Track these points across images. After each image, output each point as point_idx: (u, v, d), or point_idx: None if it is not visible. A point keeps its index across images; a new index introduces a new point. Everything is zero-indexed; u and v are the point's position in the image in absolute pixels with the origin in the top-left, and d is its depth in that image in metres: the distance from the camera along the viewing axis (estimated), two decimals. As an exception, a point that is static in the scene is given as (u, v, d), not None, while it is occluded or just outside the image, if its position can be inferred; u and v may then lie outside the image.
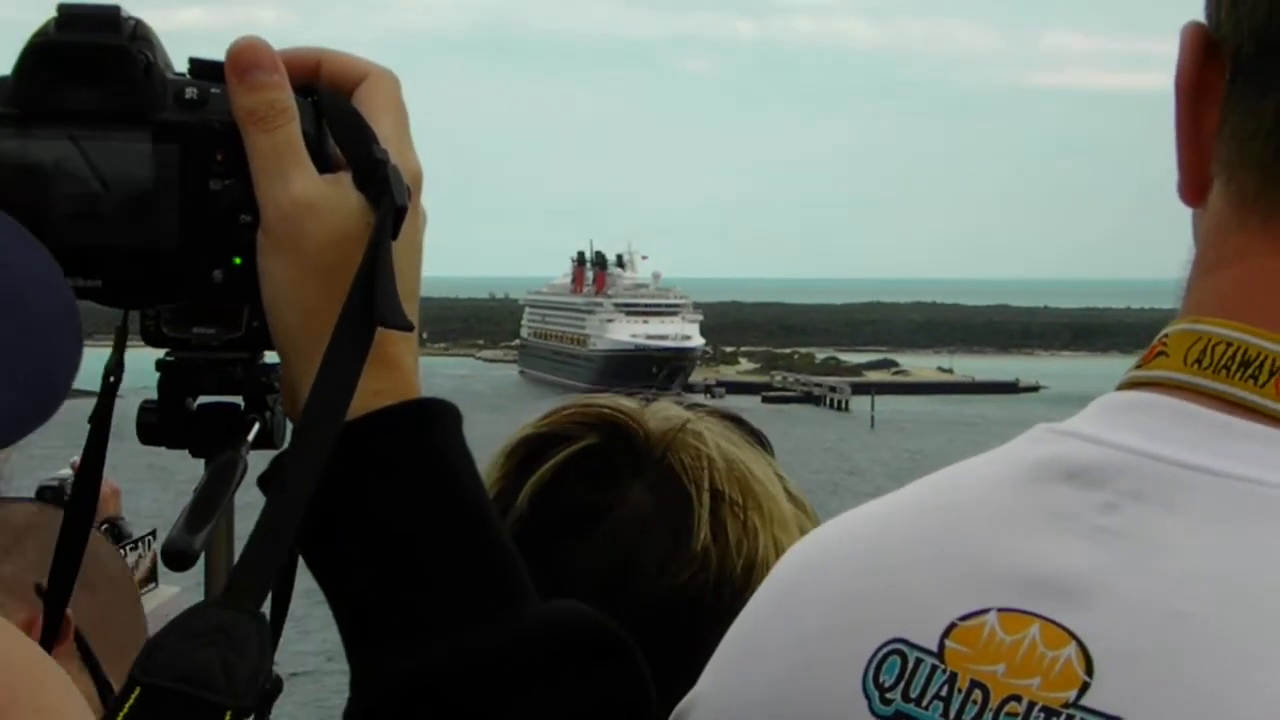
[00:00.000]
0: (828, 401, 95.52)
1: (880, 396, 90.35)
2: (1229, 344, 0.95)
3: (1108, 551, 0.94)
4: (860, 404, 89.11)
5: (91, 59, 1.15)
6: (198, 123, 1.16)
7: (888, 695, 0.96)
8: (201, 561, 1.16)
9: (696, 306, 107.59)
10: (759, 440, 1.68)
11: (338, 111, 1.17)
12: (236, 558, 1.09)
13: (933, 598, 0.97)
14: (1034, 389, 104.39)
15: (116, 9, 1.16)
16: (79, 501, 1.23)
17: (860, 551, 1.03)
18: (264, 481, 1.15)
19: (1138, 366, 1.00)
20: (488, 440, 1.16)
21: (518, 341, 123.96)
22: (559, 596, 1.14)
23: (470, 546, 1.15)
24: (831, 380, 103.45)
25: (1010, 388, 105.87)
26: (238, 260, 1.16)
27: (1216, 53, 0.98)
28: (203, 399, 1.23)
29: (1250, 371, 0.94)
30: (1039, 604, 0.94)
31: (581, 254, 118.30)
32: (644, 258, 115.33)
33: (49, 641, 1.21)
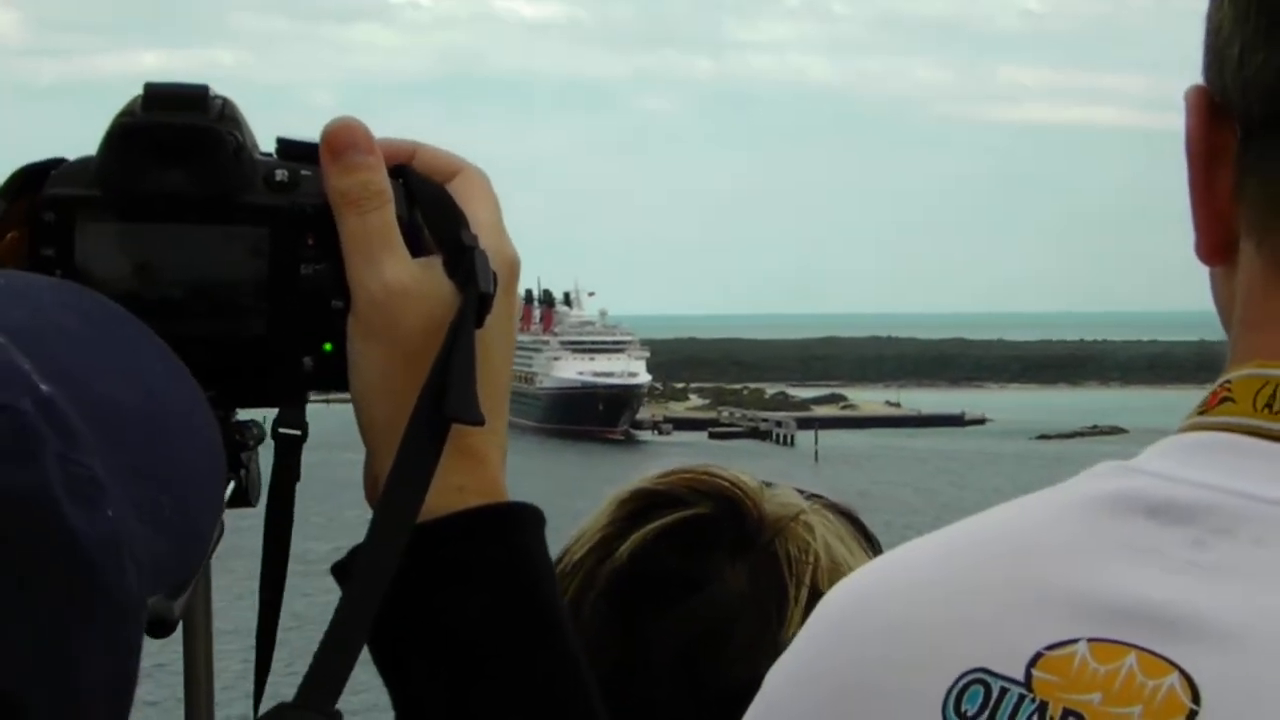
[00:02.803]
0: (774, 437, 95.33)
1: (827, 431, 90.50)
2: None
3: (1203, 585, 0.91)
4: (805, 438, 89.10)
5: (180, 141, 1.11)
6: (288, 206, 1.13)
7: None
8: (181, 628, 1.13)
9: (646, 343, 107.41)
10: (870, 541, 1.64)
11: (428, 194, 1.14)
12: (215, 620, 1.06)
13: (1012, 626, 0.94)
14: (980, 421, 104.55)
15: (205, 89, 1.12)
16: None
17: (921, 581, 0.99)
18: (338, 572, 1.11)
19: (1200, 412, 0.99)
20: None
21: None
22: (637, 659, 1.08)
23: (540, 664, 1.10)
24: (778, 415, 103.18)
25: (957, 420, 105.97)
26: (328, 347, 1.13)
27: (1224, 115, 0.99)
28: None
29: None
30: (1133, 634, 0.91)
31: (529, 292, 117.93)
32: (590, 294, 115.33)
33: None
